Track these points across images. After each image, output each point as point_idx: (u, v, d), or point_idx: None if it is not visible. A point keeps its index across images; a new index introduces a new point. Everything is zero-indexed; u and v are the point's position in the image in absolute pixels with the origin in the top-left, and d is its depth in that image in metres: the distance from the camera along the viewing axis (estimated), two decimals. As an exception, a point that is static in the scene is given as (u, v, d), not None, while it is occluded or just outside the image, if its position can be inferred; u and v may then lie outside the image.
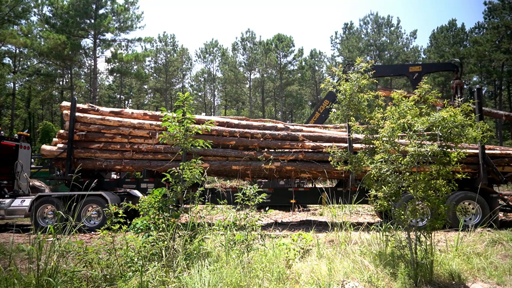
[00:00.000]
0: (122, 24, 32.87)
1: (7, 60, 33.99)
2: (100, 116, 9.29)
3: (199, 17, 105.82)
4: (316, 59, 48.34)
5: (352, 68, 14.35)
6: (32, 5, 31.07)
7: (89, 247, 3.93)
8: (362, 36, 42.99)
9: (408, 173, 4.33)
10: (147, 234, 4.34)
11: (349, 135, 7.97)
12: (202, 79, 49.45)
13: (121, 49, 34.46)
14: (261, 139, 8.94)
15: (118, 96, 47.98)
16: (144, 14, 46.04)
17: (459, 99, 11.73)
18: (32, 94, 39.45)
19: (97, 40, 32.54)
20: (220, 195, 8.44)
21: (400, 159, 4.30)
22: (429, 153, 4.01)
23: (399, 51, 40.96)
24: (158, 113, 9.24)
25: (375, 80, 5.65)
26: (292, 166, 8.75)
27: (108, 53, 34.40)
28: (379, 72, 13.85)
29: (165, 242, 4.08)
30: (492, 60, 33.79)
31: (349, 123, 5.41)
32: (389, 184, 4.40)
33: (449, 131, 4.07)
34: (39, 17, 32.69)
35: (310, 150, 8.78)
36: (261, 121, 9.68)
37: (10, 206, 9.00)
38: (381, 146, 4.55)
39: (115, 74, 40.40)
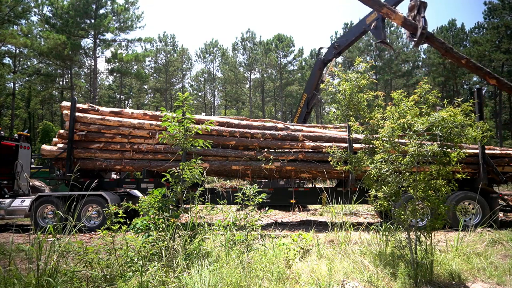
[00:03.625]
0: (122, 24, 32.88)
1: (7, 60, 34.02)
2: (100, 116, 9.29)
3: (199, 17, 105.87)
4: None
5: (323, 50, 13.38)
6: (32, 5, 31.10)
7: (89, 247, 3.92)
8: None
9: (408, 173, 4.32)
10: (147, 234, 4.34)
11: (349, 135, 7.97)
12: (202, 79, 49.46)
13: (121, 49, 34.52)
14: (261, 139, 8.94)
15: (118, 96, 47.98)
16: (144, 14, 46.06)
17: (421, 25, 9.98)
18: (32, 94, 39.46)
19: (97, 40, 32.55)
20: (220, 195, 8.43)
21: (400, 159, 4.30)
22: (429, 153, 4.00)
23: (399, 51, 40.95)
24: (158, 113, 9.24)
25: (375, 80, 5.65)
26: (292, 166, 8.75)
27: (108, 53, 34.49)
28: (342, 43, 12.81)
29: (165, 242, 4.08)
30: (492, 60, 33.77)
31: (349, 123, 5.41)
32: (389, 184, 4.40)
33: (449, 131, 4.07)
34: (39, 17, 32.73)
35: (310, 150, 8.78)
36: (261, 121, 9.68)
37: (10, 206, 9.00)
38: (381, 146, 4.55)
39: (115, 74, 40.41)
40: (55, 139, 9.63)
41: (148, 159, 9.07)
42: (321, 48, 14.16)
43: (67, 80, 39.83)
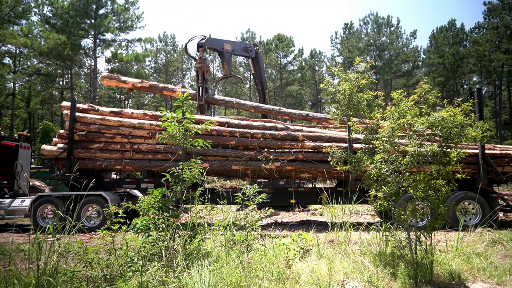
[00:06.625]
0: (122, 24, 32.87)
1: (7, 60, 34.02)
2: (100, 116, 9.29)
3: (199, 17, 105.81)
4: (316, 59, 48.31)
5: None
6: (32, 5, 31.12)
7: (89, 247, 3.92)
8: (362, 36, 42.97)
9: (408, 173, 4.32)
10: (147, 234, 4.34)
11: (349, 135, 7.96)
12: (202, 79, 49.34)
13: (121, 49, 34.49)
14: (261, 139, 8.94)
15: (118, 96, 47.98)
16: (144, 14, 45.94)
17: (201, 89, 10.13)
18: (32, 94, 39.45)
19: (97, 40, 32.54)
20: (220, 195, 8.43)
21: (400, 159, 4.30)
22: (429, 153, 4.00)
23: (399, 51, 40.95)
24: (158, 113, 9.24)
25: (375, 80, 5.65)
26: (292, 166, 8.75)
27: (108, 53, 34.47)
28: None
29: (165, 242, 4.07)
30: (492, 60, 33.78)
31: (349, 123, 5.41)
32: (389, 184, 4.40)
33: (449, 131, 4.07)
34: (39, 17, 32.72)
35: (310, 150, 8.77)
36: (261, 121, 9.68)
37: (10, 206, 9.00)
38: (381, 146, 4.55)
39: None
40: (55, 139, 9.63)
41: (148, 159, 9.07)
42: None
43: (67, 80, 39.82)
